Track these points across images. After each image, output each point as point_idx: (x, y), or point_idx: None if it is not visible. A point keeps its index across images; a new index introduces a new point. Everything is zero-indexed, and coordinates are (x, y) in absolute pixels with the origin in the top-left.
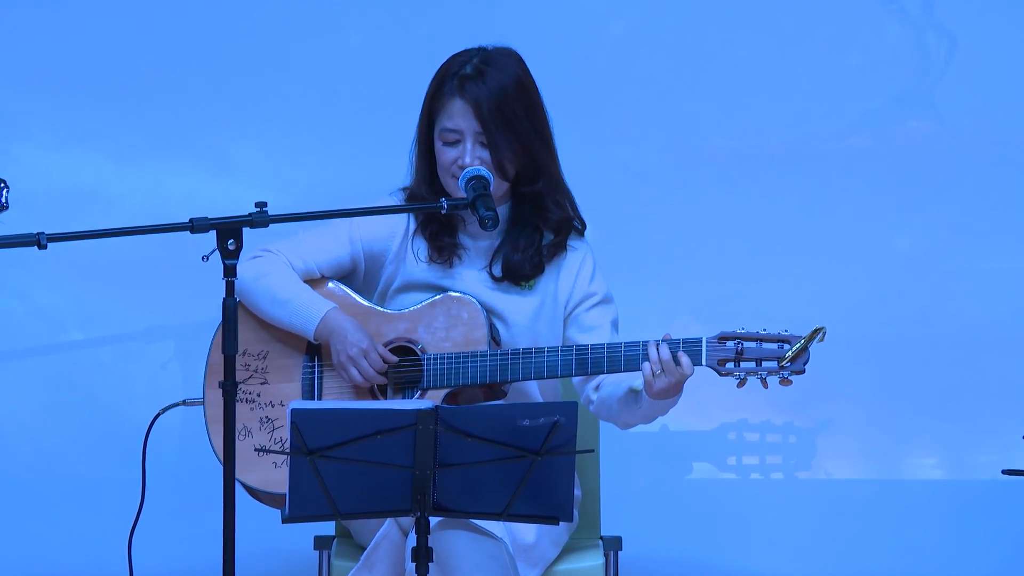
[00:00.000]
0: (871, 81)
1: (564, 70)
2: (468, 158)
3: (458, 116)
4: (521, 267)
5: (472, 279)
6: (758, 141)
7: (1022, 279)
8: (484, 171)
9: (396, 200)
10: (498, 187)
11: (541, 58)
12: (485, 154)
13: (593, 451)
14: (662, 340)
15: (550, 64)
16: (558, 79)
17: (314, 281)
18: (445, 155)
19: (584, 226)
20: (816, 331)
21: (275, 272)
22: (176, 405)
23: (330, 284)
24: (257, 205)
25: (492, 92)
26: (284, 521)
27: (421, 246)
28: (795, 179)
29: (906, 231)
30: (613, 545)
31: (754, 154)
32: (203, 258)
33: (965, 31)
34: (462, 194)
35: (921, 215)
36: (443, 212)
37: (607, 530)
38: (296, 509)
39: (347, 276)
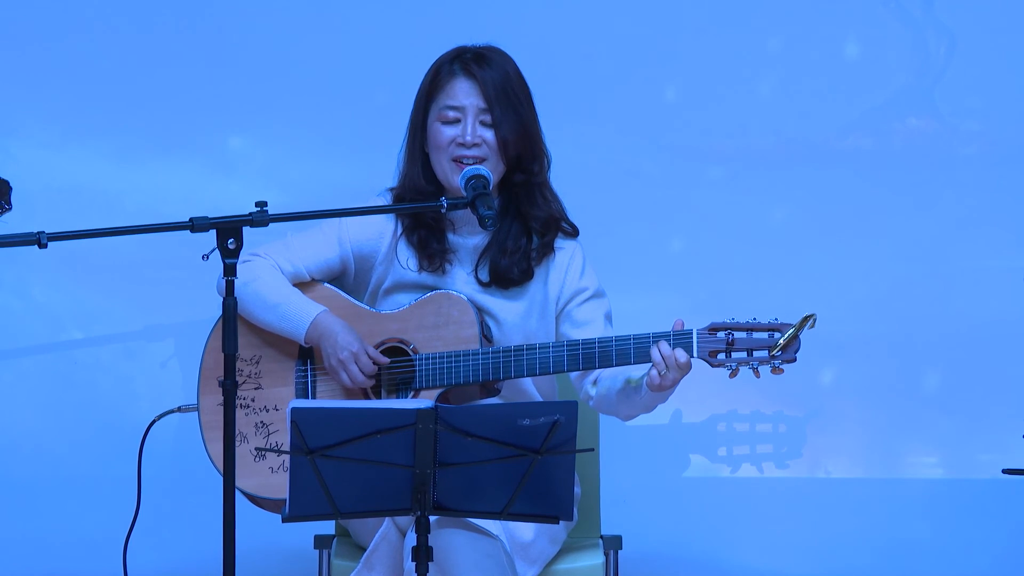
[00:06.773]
0: (871, 79)
1: (562, 69)
2: (468, 135)
3: (461, 94)
4: (509, 271)
5: (462, 281)
6: (758, 139)
7: (1022, 278)
8: (484, 170)
9: (383, 201)
10: (494, 170)
11: (540, 57)
12: (485, 132)
13: (593, 450)
14: (662, 337)
15: (548, 63)
16: (555, 78)
17: (304, 284)
18: (442, 134)
19: (576, 231)
20: (806, 318)
21: (264, 276)
22: (171, 412)
23: (320, 286)
24: (257, 204)
25: (496, 72)
26: (284, 520)
27: (410, 255)
28: (795, 177)
29: (906, 229)
30: (613, 544)
31: (754, 152)
32: (203, 257)
33: (965, 30)
34: (456, 179)
35: (921, 213)
36: (443, 211)
37: (607, 529)
38: (296, 508)
39: (337, 278)
